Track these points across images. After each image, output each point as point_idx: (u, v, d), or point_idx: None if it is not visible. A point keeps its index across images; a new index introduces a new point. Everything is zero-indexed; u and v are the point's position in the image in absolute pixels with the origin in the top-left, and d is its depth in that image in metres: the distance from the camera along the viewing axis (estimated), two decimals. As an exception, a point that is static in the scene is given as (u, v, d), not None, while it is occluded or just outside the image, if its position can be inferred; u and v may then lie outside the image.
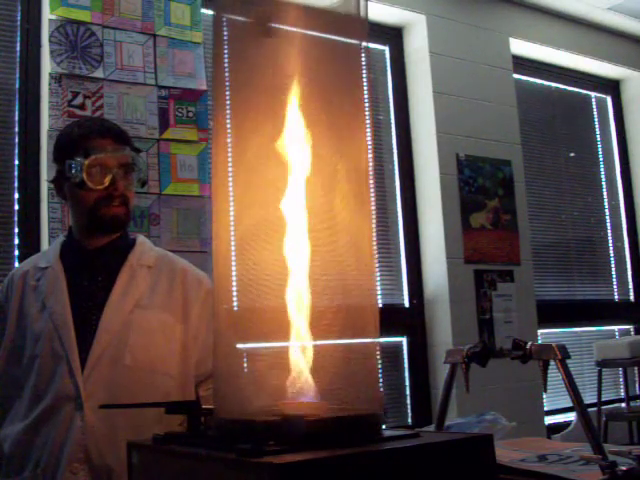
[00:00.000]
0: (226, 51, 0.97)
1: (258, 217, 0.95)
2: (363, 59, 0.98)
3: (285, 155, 0.93)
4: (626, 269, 4.61)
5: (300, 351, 0.89)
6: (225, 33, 0.98)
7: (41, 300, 1.56)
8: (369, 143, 0.95)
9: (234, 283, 0.95)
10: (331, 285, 0.93)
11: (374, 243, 0.94)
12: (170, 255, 1.73)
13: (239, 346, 0.97)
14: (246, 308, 0.96)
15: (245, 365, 0.97)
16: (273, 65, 0.97)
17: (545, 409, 3.76)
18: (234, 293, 0.96)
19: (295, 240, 0.92)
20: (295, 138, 0.93)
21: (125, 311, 1.55)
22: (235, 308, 0.96)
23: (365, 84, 0.97)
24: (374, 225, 0.96)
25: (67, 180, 1.57)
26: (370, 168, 0.95)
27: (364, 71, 0.98)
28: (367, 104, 0.97)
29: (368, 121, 0.96)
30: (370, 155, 0.95)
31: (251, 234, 0.95)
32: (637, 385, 4.45)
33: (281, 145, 0.93)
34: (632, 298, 4.59)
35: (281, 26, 0.98)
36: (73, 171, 1.54)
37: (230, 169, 0.95)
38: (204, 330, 1.62)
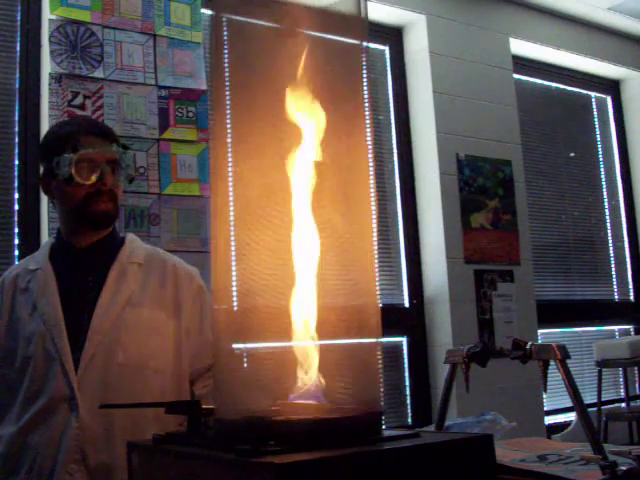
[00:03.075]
0: (226, 51, 0.97)
1: (259, 217, 0.94)
2: (364, 59, 0.98)
3: (286, 156, 0.93)
4: (626, 269, 4.60)
5: (301, 352, 0.89)
6: (225, 33, 0.98)
7: (32, 302, 1.55)
8: (369, 143, 0.95)
9: (235, 283, 0.95)
10: (332, 285, 0.93)
11: (375, 243, 0.94)
12: (160, 252, 1.73)
13: (240, 346, 0.97)
14: (247, 308, 0.95)
15: (246, 365, 0.97)
16: (272, 64, 0.97)
17: (545, 409, 3.76)
18: (234, 293, 0.96)
19: (297, 241, 0.92)
20: (296, 139, 0.93)
21: (116, 309, 1.54)
22: (235, 308, 0.96)
23: (365, 84, 0.97)
24: (374, 225, 0.96)
25: (55, 177, 1.57)
26: (371, 168, 0.95)
27: (364, 71, 0.98)
28: (367, 104, 0.97)
29: (368, 121, 0.96)
30: (370, 155, 0.95)
31: (253, 233, 0.95)
32: (637, 385, 4.45)
33: (282, 145, 0.93)
34: (632, 298, 4.59)
35: (280, 25, 0.98)
36: (61, 167, 1.53)
37: (230, 170, 0.95)
38: (197, 326, 1.62)
